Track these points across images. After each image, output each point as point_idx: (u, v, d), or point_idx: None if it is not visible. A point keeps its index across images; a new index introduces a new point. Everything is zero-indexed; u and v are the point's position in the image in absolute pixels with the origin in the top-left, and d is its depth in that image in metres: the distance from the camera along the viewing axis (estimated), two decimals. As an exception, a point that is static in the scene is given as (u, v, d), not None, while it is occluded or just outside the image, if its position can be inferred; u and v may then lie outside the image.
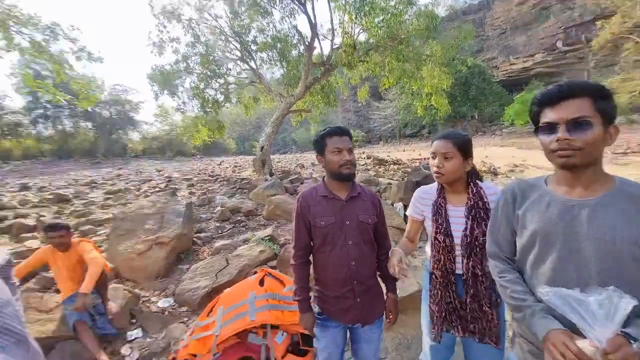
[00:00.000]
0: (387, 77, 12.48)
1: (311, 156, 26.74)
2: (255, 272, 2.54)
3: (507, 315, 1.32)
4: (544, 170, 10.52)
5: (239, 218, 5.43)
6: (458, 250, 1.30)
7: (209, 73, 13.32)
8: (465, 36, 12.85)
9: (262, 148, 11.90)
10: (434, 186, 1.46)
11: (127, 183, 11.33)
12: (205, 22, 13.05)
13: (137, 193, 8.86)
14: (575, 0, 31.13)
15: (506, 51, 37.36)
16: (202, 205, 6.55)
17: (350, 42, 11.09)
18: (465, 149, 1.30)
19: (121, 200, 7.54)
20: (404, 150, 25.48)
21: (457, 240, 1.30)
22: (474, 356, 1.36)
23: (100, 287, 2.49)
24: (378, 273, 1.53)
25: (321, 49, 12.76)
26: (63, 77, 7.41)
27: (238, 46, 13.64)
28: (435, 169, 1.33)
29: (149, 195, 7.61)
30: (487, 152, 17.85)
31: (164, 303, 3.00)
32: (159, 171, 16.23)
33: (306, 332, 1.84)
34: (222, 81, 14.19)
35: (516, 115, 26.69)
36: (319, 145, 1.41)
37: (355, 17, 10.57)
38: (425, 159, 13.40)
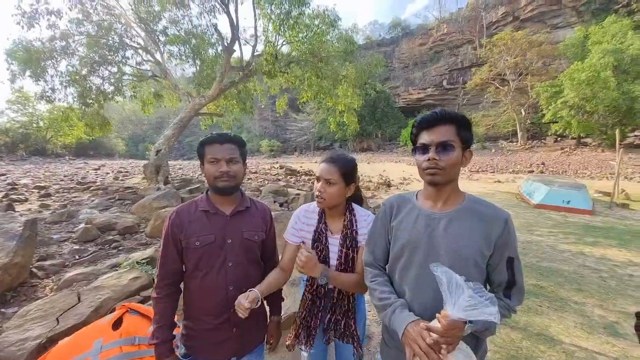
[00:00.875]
0: (305, 90, 13.03)
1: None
2: (114, 310, 2.03)
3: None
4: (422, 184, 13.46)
5: (110, 237, 4.44)
6: None
7: (96, 58, 11.13)
8: (376, 64, 14.72)
9: (158, 152, 10.44)
10: (315, 209, 1.44)
11: None
12: None
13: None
14: (460, 49, 39.98)
15: (407, 82, 44.60)
16: (58, 221, 5.14)
17: (272, 51, 11.18)
18: (348, 175, 1.32)
19: None
20: (316, 162, 26.91)
21: (332, 267, 1.34)
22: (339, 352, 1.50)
23: None
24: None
25: (241, 53, 12.41)
26: None
27: (142, 34, 12.01)
28: (317, 193, 1.32)
29: (-34, 208, 5.54)
30: (385, 167, 21.65)
31: (-45, 371, 2.08)
32: (0, 175, 12.27)
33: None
34: (114, 70, 12.06)
35: (409, 136, 32.69)
36: (199, 154, 1.26)
37: (280, 29, 10.75)
38: None
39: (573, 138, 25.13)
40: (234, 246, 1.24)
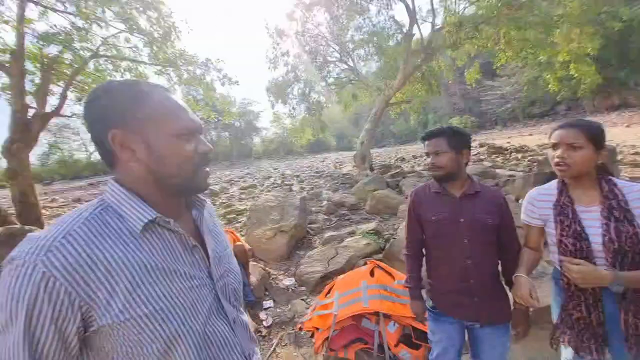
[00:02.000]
0: (504, 51, 10.41)
1: (411, 148, 25.29)
2: (366, 263, 2.70)
3: None
4: None
5: (343, 212, 5.77)
6: (599, 259, 1.08)
7: (311, 78, 14.50)
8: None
9: (361, 143, 12.09)
10: (552, 185, 1.24)
11: (253, 180, 13.72)
12: (309, 32, 14.20)
13: (261, 188, 10.63)
14: None
15: None
16: (312, 199, 7.26)
17: (453, 20, 9.84)
18: (598, 138, 1.10)
19: (251, 195, 9.21)
20: (530, 135, 20.46)
21: (595, 246, 1.09)
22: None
23: (245, 264, 3.18)
24: (503, 279, 1.42)
25: (421, 34, 11.78)
26: (212, 99, 9.63)
27: (337, 48, 14.24)
28: (557, 160, 1.14)
29: (270, 191, 9.00)
30: None
31: (288, 281, 3.56)
32: (275, 169, 18.83)
33: (418, 324, 1.88)
34: (323, 84, 15.20)
35: None
36: None
37: (460, -10, 9.27)
38: None
39: None
40: (466, 225, 1.32)
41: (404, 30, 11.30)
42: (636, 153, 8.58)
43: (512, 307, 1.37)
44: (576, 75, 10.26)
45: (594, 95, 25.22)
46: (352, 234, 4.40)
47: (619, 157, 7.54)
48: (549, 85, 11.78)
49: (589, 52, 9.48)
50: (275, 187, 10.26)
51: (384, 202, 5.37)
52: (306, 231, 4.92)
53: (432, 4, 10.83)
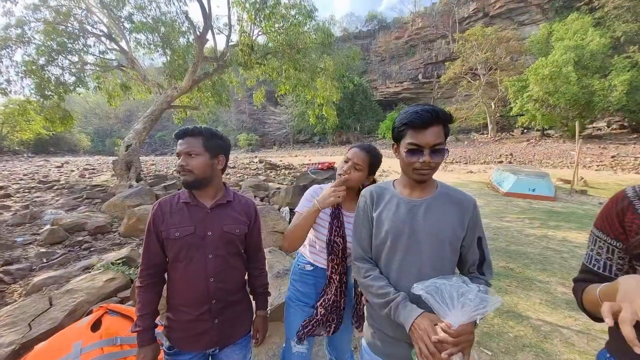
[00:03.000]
0: (283, 83, 12.82)
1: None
2: (92, 312, 1.96)
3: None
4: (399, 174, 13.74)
5: (80, 238, 4.22)
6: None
7: (55, 46, 10.26)
8: (354, 57, 14.69)
9: (128, 147, 9.94)
10: (328, 186, 1.49)
11: None
12: None
13: None
14: (434, 44, 40.98)
15: (384, 76, 45.11)
16: (21, 223, 4.80)
17: (247, 41, 10.86)
18: (374, 167, 1.44)
19: None
20: (296, 156, 26.90)
21: (348, 244, 1.39)
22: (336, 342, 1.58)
23: None
24: (248, 289, 1.45)
25: (215, 43, 11.97)
26: None
27: (105, 20, 11.21)
28: (341, 172, 1.42)
29: None
30: None
31: None
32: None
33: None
34: (75, 59, 11.21)
35: (387, 129, 34.73)
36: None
37: (255, 18, 10.46)
38: (313, 164, 14.41)
39: (538, 130, 26.70)
40: (214, 239, 1.25)
41: (198, 32, 10.86)
42: None
43: (254, 315, 1.44)
44: (326, 115, 14.42)
45: (333, 132, 38.43)
46: (88, 269, 3.24)
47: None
48: (310, 120, 15.79)
49: (334, 100, 13.68)
50: None
51: (146, 221, 4.50)
52: (-8, 279, 3.07)
53: (229, 19, 11.28)
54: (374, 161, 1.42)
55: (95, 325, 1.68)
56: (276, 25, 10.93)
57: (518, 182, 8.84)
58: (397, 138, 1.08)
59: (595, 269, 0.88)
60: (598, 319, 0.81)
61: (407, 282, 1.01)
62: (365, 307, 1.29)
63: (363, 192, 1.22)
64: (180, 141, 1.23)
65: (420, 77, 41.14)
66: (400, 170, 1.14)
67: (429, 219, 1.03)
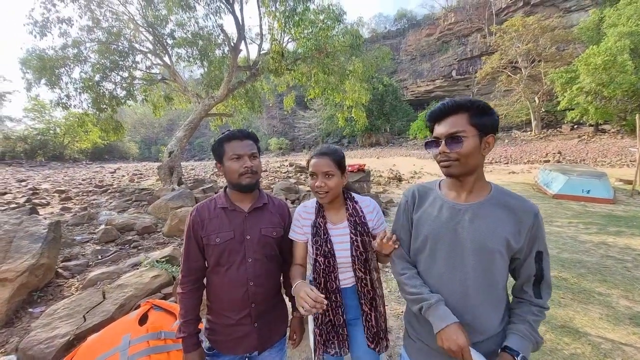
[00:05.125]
0: (312, 87, 12.96)
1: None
2: (139, 306, 2.08)
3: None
4: (436, 176, 13.06)
5: (130, 237, 4.57)
6: (343, 268, 1.29)
7: (108, 64, 11.33)
8: (383, 57, 14.45)
9: (170, 153, 10.63)
10: (312, 203, 1.40)
11: (-40, 197, 8.44)
12: (110, 5, 11.21)
13: (-25, 210, 6.66)
14: (468, 38, 39.05)
15: (414, 75, 43.76)
16: (79, 223, 5.31)
17: (278, 49, 11.17)
18: (342, 165, 1.31)
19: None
20: None
21: (342, 260, 1.28)
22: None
23: None
24: (284, 290, 1.45)
25: (248, 52, 12.51)
26: None
27: (150, 38, 12.16)
28: (317, 190, 1.27)
29: (-7, 213, 5.78)
30: (394, 161, 21.47)
31: (-5, 366, 2.19)
32: (21, 182, 12.74)
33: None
34: (125, 74, 12.29)
35: (418, 130, 33.45)
36: (217, 152, 1.26)
37: (285, 26, 10.73)
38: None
39: (591, 125, 24.15)
40: (252, 242, 1.25)
41: (232, 43, 11.42)
42: (380, 176, 13.64)
43: (290, 317, 1.42)
44: (355, 117, 14.31)
45: (362, 134, 37.92)
46: (136, 266, 3.48)
47: (371, 177, 11.52)
48: (339, 122, 15.77)
49: (363, 102, 13.54)
50: (13, 207, 6.77)
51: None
52: (56, 273, 3.41)
53: (260, 29, 11.73)
54: (337, 159, 1.29)
55: (142, 319, 1.78)
56: (305, 31, 11.11)
57: (569, 182, 8.04)
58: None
59: None
60: None
61: (448, 294, 0.95)
62: (404, 316, 1.21)
63: (405, 191, 1.16)
64: (239, 142, 1.22)
65: (454, 73, 39.26)
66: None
67: (475, 226, 0.94)
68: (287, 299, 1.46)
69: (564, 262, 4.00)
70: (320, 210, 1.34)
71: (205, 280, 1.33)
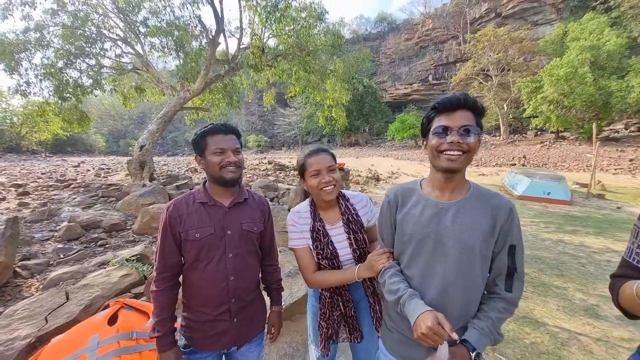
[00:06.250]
0: (293, 85, 12.90)
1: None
2: (108, 306, 1.99)
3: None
4: (412, 177, 13.56)
5: (96, 235, 4.32)
6: (347, 266, 1.32)
7: (73, 50, 10.56)
8: (364, 59, 14.61)
9: (141, 147, 10.14)
10: (305, 207, 1.40)
11: None
12: None
13: None
14: (445, 45, 40.54)
15: (393, 77, 44.87)
16: (39, 220, 4.94)
17: (259, 44, 10.97)
18: (335, 160, 1.39)
19: None
20: None
21: (344, 258, 1.32)
22: (361, 352, 1.41)
23: None
24: (262, 285, 1.46)
25: (227, 46, 12.10)
26: None
27: (121, 25, 11.51)
28: (325, 185, 1.28)
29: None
30: (373, 161, 22.03)
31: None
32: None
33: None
34: (92, 62, 11.52)
35: (396, 131, 33.96)
36: (199, 145, 1.23)
37: (266, 21, 10.56)
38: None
39: (552, 132, 26.02)
40: (233, 237, 1.24)
41: (210, 35, 11.05)
42: (359, 175, 13.91)
43: (268, 311, 1.43)
44: (335, 117, 14.41)
45: (342, 134, 38.34)
46: (104, 265, 3.31)
47: (350, 177, 11.68)
48: (319, 121, 15.80)
49: (344, 102, 13.66)
50: (-42, 202, 6.16)
51: (160, 220, 4.57)
52: (14, 272, 3.17)
53: (241, 23, 11.42)
54: (333, 155, 1.38)
55: (112, 320, 1.70)
56: (287, 28, 11.01)
57: (532, 185, 8.62)
58: (425, 128, 1.03)
59: (636, 262, 0.85)
60: (634, 316, 0.80)
61: (430, 289, 0.98)
62: (383, 308, 1.26)
63: (387, 192, 1.17)
64: (223, 137, 1.21)
65: (430, 78, 40.73)
66: (430, 170, 1.06)
67: (457, 223, 0.96)
68: (264, 294, 1.47)
69: (526, 258, 4.30)
70: (315, 213, 1.35)
71: (181, 278, 1.29)
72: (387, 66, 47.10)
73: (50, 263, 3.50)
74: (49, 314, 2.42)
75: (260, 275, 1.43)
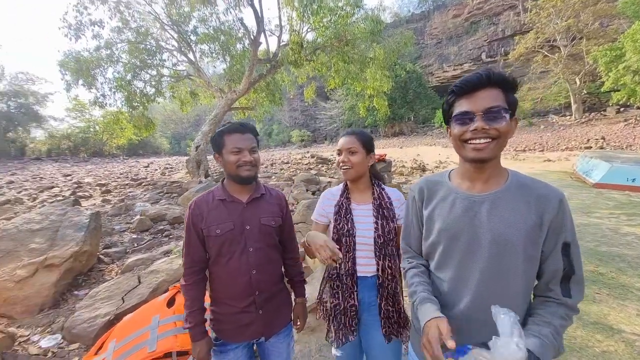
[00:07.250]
0: (333, 77, 12.81)
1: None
2: (169, 290, 2.24)
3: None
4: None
5: (162, 227, 4.88)
6: (363, 252, 1.28)
7: (138, 63, 11.94)
8: (406, 43, 13.80)
9: (197, 147, 11.10)
10: (340, 187, 1.45)
11: (18, 192, 9.39)
12: (137, 5, 11.76)
13: (30, 204, 7.40)
14: (500, 17, 36.40)
15: (440, 59, 41.69)
16: (118, 214, 5.74)
17: (297, 40, 11.11)
18: (368, 144, 1.36)
19: (8, 214, 6.17)
20: None
21: (361, 240, 1.28)
22: (377, 353, 1.30)
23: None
24: (286, 279, 1.49)
25: (267, 44, 12.56)
26: None
27: (175, 36, 12.62)
28: (341, 164, 1.35)
29: (44, 206, 6.38)
30: (418, 151, 20.73)
31: (48, 342, 2.46)
32: (67, 176, 13.90)
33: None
34: (154, 73, 12.89)
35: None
36: (217, 144, 1.28)
37: (304, 15, 10.63)
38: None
39: (639, 107, 21.90)
40: (253, 232, 1.28)
41: (252, 36, 11.53)
42: (403, 166, 13.32)
43: (293, 304, 1.47)
44: (376, 106, 14.00)
45: (385, 124, 36.92)
46: (168, 253, 3.72)
47: (392, 168, 11.20)
48: (361, 112, 15.52)
49: (385, 90, 13.18)
50: (59, 200, 7.44)
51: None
52: (98, 259, 3.74)
53: (280, 20, 11.71)
54: (364, 138, 1.35)
55: (170, 302, 1.92)
56: (324, 19, 10.92)
57: (612, 170, 7.40)
58: (447, 116, 0.91)
59: None
60: None
61: (463, 294, 0.87)
62: (411, 310, 1.19)
63: (412, 187, 1.08)
64: (240, 136, 1.25)
65: (483, 56, 36.89)
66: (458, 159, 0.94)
67: (494, 218, 0.83)
68: (289, 287, 1.50)
69: (602, 255, 3.73)
70: (345, 191, 1.39)
71: (207, 272, 1.35)
72: (433, 48, 43.91)
73: (127, 251, 4.06)
74: (125, 294, 2.81)
75: (282, 269, 1.46)
